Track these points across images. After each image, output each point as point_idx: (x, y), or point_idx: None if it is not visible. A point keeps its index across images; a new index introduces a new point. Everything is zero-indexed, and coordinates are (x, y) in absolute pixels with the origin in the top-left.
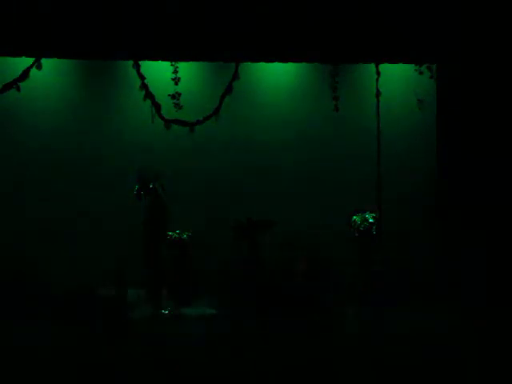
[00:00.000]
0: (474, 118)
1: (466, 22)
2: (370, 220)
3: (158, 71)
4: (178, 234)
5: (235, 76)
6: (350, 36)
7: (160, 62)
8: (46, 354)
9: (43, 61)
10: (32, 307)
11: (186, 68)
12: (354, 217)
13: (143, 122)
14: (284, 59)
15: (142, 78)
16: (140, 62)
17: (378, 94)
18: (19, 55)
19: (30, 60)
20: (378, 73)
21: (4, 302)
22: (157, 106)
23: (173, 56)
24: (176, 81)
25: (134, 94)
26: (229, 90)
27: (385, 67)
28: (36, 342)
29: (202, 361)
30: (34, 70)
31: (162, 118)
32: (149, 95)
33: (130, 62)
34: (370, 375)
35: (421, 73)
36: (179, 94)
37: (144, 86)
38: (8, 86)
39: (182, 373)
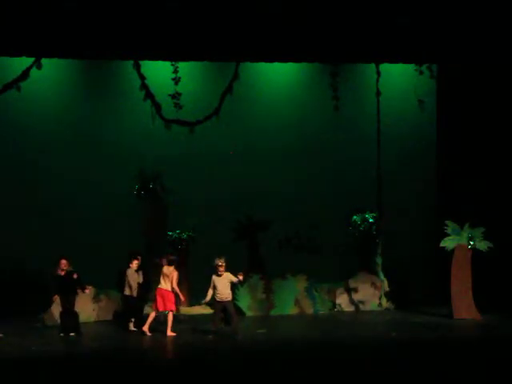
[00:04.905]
0: (474, 117)
1: (466, 23)
2: (370, 220)
3: (158, 71)
4: (178, 233)
5: (235, 76)
6: (350, 36)
7: (160, 61)
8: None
9: (43, 61)
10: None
11: (185, 68)
12: (354, 217)
13: (143, 122)
14: (284, 59)
15: (142, 78)
16: (140, 62)
17: (378, 93)
18: (19, 55)
19: (30, 60)
20: (378, 73)
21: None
22: (157, 106)
23: (173, 56)
24: (176, 81)
25: (134, 94)
26: (229, 90)
27: (385, 67)
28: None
29: (204, 360)
30: (34, 70)
31: (162, 117)
32: (149, 95)
33: (130, 62)
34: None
35: (421, 73)
36: (179, 94)
37: (144, 86)
38: (8, 86)
39: (182, 371)
